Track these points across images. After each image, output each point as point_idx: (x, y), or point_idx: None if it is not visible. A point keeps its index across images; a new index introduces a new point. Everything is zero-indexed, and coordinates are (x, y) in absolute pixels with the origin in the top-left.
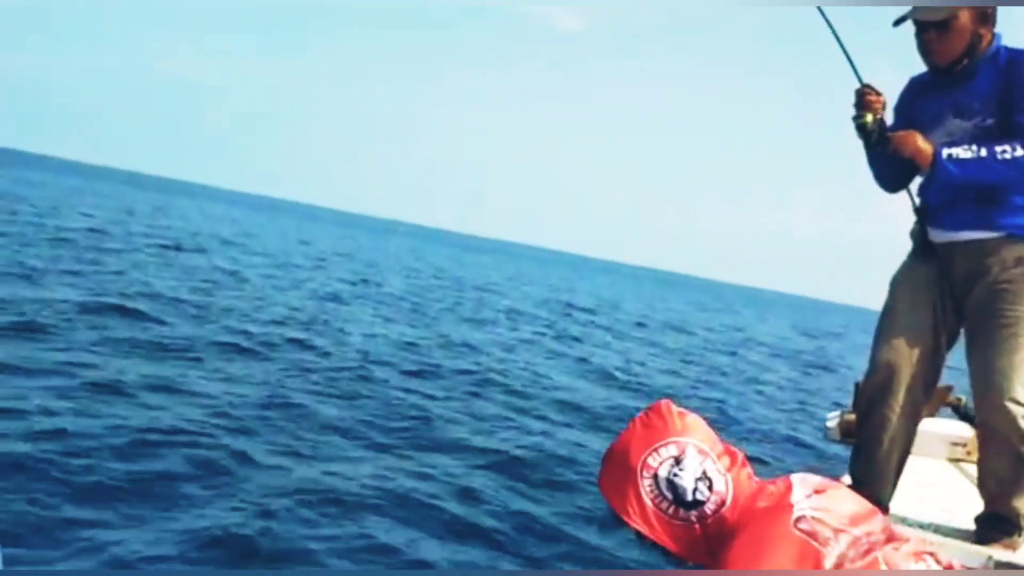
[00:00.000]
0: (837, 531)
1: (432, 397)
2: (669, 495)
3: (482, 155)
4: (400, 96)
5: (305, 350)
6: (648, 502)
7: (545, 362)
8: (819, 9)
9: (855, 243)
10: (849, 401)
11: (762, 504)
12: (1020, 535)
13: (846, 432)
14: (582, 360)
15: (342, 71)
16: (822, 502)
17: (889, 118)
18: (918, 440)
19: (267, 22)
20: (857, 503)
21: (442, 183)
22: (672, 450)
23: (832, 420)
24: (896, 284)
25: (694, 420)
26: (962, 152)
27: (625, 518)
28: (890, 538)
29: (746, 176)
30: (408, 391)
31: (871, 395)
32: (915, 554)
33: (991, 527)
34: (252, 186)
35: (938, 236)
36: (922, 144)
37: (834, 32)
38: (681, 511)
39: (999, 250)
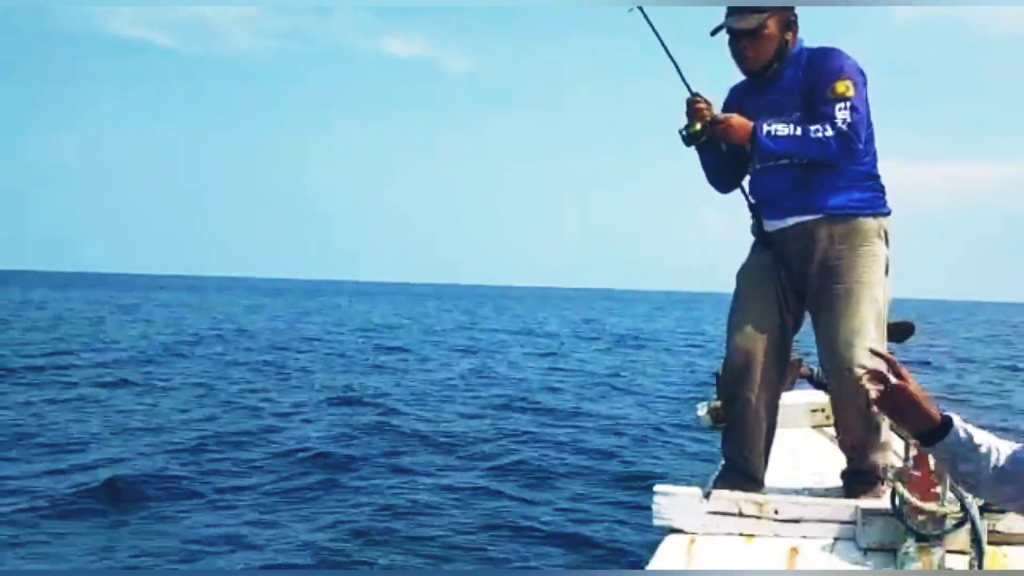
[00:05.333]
0: None
1: None
2: None
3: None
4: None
5: None
6: None
7: None
8: (640, 9)
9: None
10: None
11: None
12: (882, 484)
13: (716, 419)
14: None
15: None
16: None
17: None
18: (782, 413)
19: None
20: None
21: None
22: None
23: (701, 410)
24: (741, 276)
25: None
26: (780, 128)
27: None
28: None
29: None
30: None
31: (731, 381)
32: None
33: (856, 482)
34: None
35: (769, 226)
36: (738, 123)
37: (663, 45)
38: None
39: (821, 230)
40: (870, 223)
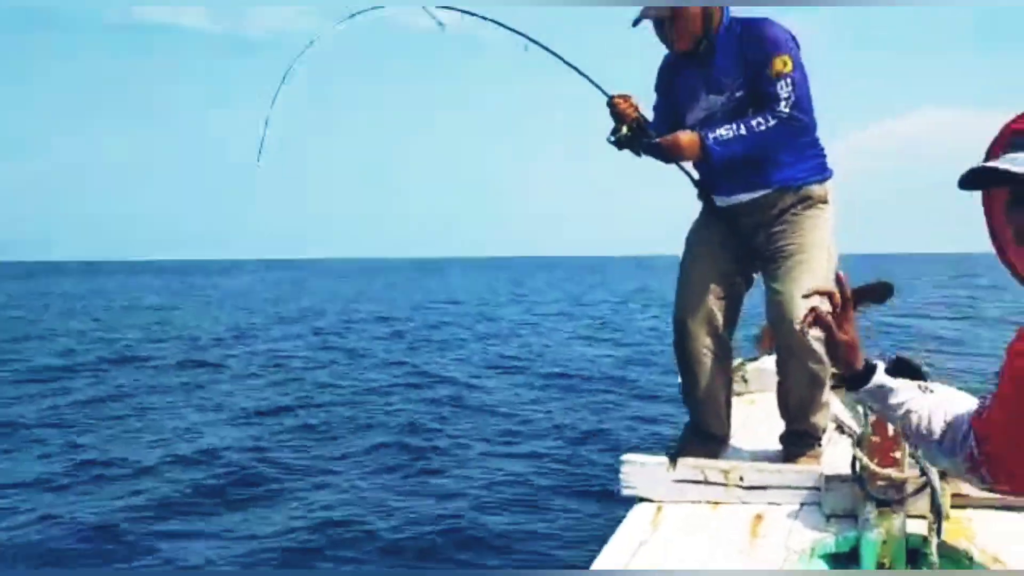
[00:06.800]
0: None
1: None
2: None
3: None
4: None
5: None
6: None
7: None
8: (535, 42)
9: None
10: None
11: None
12: (820, 446)
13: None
14: None
15: None
16: None
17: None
18: (763, 378)
19: None
20: None
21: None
22: None
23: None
24: (691, 236)
25: None
26: (724, 132)
27: None
28: None
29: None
30: None
31: (679, 342)
32: None
33: (795, 443)
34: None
35: (720, 202)
36: (686, 140)
37: (565, 60)
38: None
39: (774, 202)
40: (816, 189)
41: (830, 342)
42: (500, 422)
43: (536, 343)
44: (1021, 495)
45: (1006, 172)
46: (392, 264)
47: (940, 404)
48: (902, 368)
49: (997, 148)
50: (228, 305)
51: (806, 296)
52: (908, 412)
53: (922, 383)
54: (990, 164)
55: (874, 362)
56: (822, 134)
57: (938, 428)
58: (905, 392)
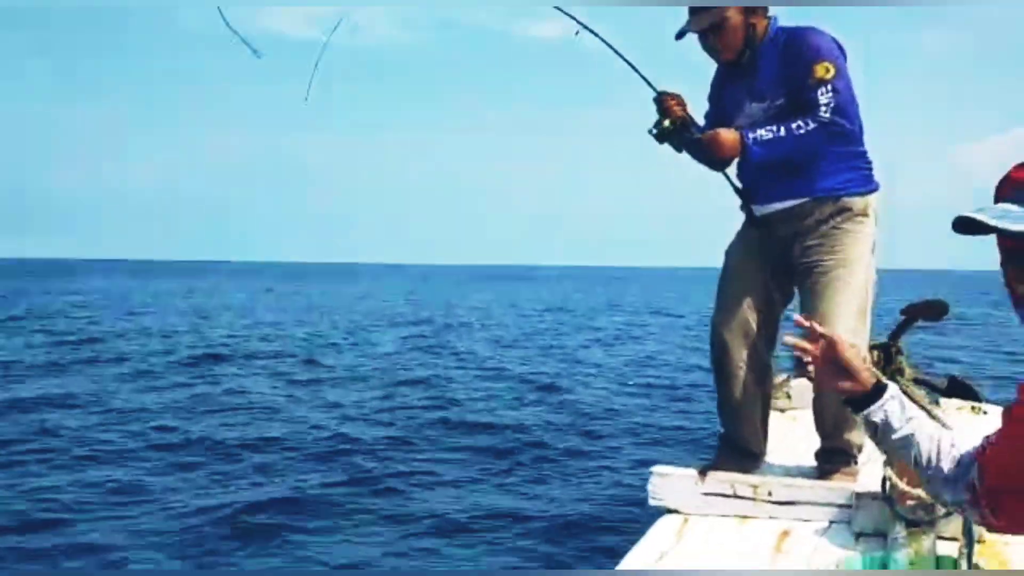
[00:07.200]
0: None
1: None
2: None
3: None
4: None
5: None
6: None
7: None
8: (587, 28)
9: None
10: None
11: None
12: (855, 463)
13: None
14: None
15: None
16: None
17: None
18: (807, 395)
19: None
20: None
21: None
22: None
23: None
24: (729, 252)
25: None
26: (764, 133)
27: None
28: None
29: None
30: None
31: (717, 357)
32: None
33: (829, 460)
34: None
35: (757, 210)
36: (727, 137)
37: (615, 49)
38: None
39: (810, 212)
40: (856, 202)
41: (829, 360)
42: (606, 428)
43: (637, 351)
44: (1017, 534)
45: (991, 226)
46: (478, 271)
47: (949, 433)
48: (956, 389)
49: (1006, 190)
50: (316, 308)
51: (792, 344)
52: (916, 437)
53: (975, 404)
54: (973, 216)
55: (884, 382)
56: None
57: (946, 456)
58: (912, 411)
